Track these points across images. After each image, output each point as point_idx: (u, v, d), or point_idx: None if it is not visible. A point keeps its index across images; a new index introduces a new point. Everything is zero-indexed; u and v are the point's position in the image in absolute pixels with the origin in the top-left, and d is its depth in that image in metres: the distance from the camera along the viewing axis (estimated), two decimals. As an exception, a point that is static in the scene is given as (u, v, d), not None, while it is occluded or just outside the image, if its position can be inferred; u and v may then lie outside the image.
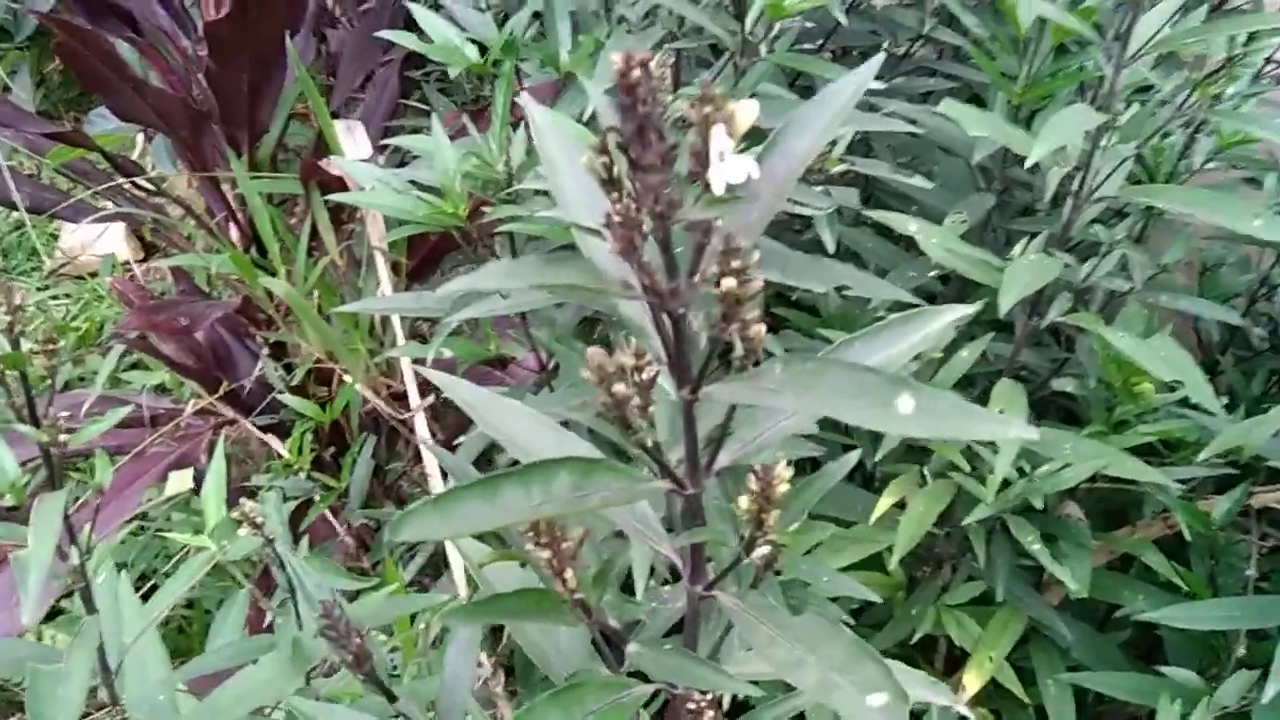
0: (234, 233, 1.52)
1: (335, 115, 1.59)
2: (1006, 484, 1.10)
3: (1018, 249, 1.06)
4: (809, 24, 1.52)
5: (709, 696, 0.53)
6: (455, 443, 1.03)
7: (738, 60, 0.94)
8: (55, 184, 1.78)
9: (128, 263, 2.43)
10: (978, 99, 1.41)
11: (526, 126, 1.04)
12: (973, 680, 1.22)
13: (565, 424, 0.56)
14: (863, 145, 1.49)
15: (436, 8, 1.14)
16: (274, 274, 1.38)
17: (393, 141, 1.00)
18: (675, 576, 0.85)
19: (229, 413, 1.52)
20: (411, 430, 1.40)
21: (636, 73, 0.37)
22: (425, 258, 1.56)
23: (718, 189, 0.38)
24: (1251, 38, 0.89)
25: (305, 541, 0.86)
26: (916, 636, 1.27)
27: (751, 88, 0.92)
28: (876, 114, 1.11)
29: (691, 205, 0.39)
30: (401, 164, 1.13)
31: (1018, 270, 0.97)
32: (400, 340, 1.34)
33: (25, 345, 0.55)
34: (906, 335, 0.49)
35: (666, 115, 0.79)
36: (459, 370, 1.22)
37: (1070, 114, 0.90)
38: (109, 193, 1.54)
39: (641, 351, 0.47)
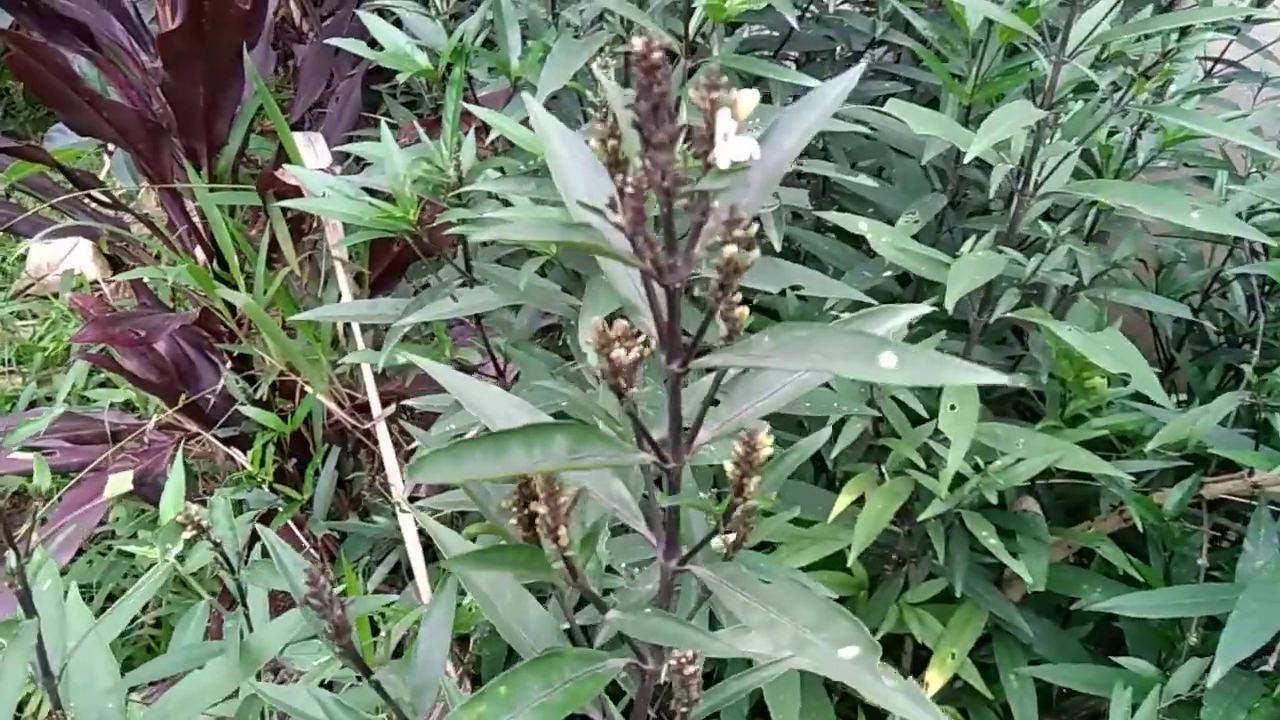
0: (198, 247, 1.52)
1: (298, 127, 1.59)
2: (961, 480, 1.11)
3: (966, 246, 1.07)
4: (765, 30, 1.54)
5: (689, 654, 0.55)
6: (412, 446, 1.03)
7: (685, 62, 0.95)
8: (21, 204, 1.77)
9: (96, 281, 2.42)
10: (935, 102, 1.43)
11: (478, 132, 1.05)
12: (936, 677, 1.23)
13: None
14: (821, 150, 1.50)
15: (400, 25, 1.15)
16: (235, 286, 1.38)
17: (345, 148, 1.00)
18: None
19: (193, 427, 1.51)
20: (374, 440, 1.40)
21: (657, 55, 0.39)
22: (389, 268, 1.56)
23: (723, 164, 0.41)
24: (1184, 33, 0.91)
25: (259, 547, 0.86)
26: (880, 635, 1.28)
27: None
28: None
29: (699, 178, 0.41)
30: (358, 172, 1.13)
31: (963, 266, 0.98)
32: (360, 347, 1.34)
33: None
34: (859, 349, 0.50)
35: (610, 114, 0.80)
36: (411, 377, 1.22)
37: (1011, 109, 0.91)
38: (71, 209, 1.53)
39: (631, 331, 0.49)
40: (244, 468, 1.51)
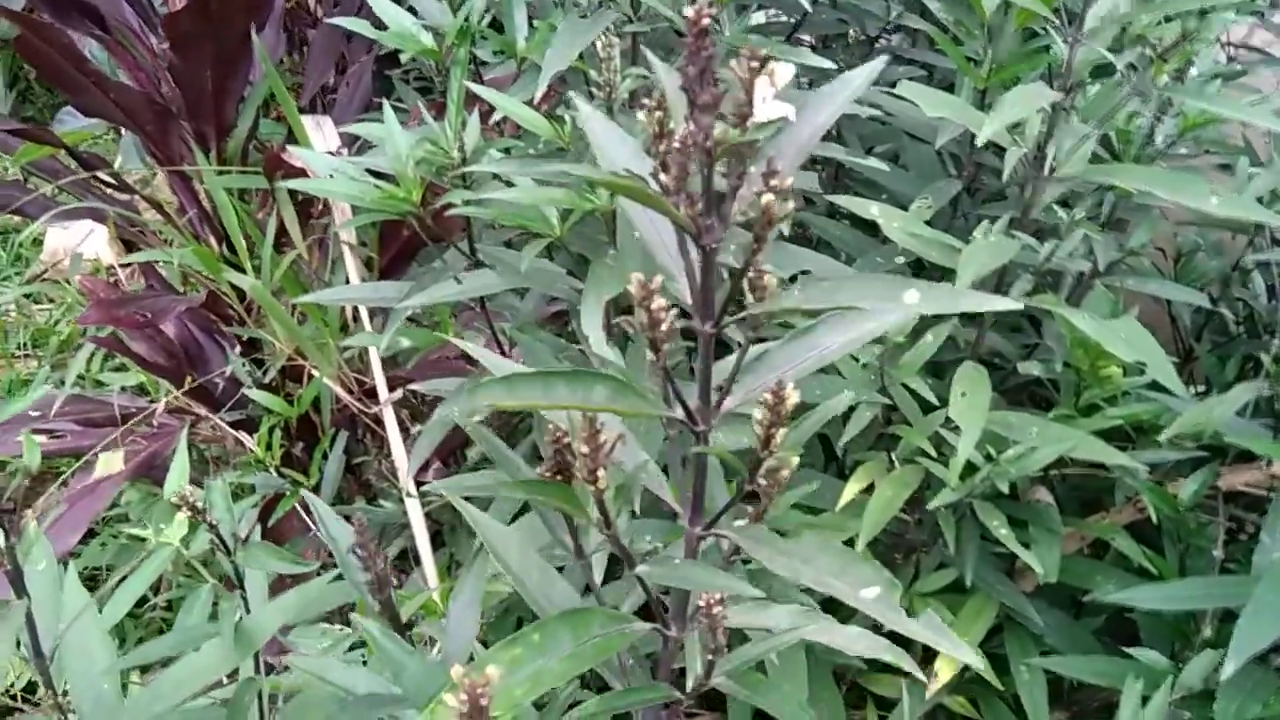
0: (208, 230, 1.51)
1: (309, 111, 1.59)
2: (973, 468, 1.09)
3: (979, 231, 1.06)
4: (779, 15, 1.52)
5: (717, 596, 0.56)
6: (414, 430, 1.03)
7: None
8: (37, 187, 1.77)
9: (112, 266, 2.43)
10: (951, 87, 1.41)
11: (483, 113, 1.04)
12: (945, 668, 1.21)
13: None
14: (834, 134, 1.49)
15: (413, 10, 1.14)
16: (244, 270, 1.37)
17: (349, 129, 0.99)
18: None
19: (202, 410, 1.51)
20: (382, 425, 1.39)
21: (706, 20, 0.42)
22: (398, 253, 1.55)
23: (761, 119, 0.44)
24: (1204, 13, 0.89)
25: (257, 529, 0.86)
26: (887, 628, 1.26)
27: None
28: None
29: (739, 133, 0.44)
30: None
31: (975, 251, 0.96)
32: (367, 330, 1.34)
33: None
34: (870, 317, 0.55)
35: (616, 95, 0.78)
36: (413, 360, 1.22)
37: (1025, 91, 0.89)
38: (81, 191, 1.53)
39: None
40: (252, 451, 1.51)
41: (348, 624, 1.20)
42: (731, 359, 0.55)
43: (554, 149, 0.94)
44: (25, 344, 2.38)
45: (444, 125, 0.95)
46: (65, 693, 0.77)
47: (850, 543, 1.18)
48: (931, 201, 1.20)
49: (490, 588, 1.20)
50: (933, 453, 1.13)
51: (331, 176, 0.96)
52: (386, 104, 0.90)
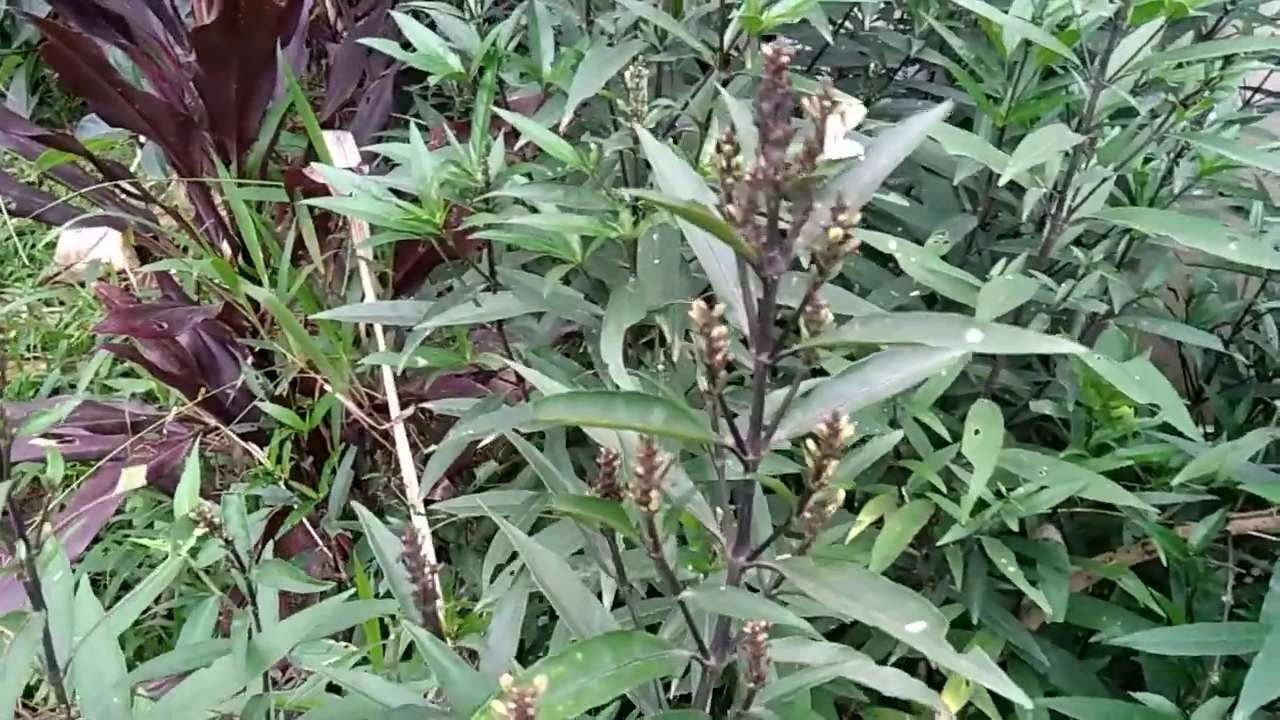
0: (222, 240, 1.52)
1: (329, 126, 1.59)
2: (983, 505, 1.09)
3: (996, 269, 1.06)
4: (798, 45, 1.53)
5: (761, 624, 0.57)
6: (428, 450, 1.03)
7: (719, 74, 0.94)
8: (53, 191, 1.78)
9: (124, 271, 2.44)
10: (969, 123, 1.42)
11: (506, 136, 1.04)
12: (950, 703, 1.21)
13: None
14: (851, 166, 1.49)
15: (433, 26, 1.15)
16: (260, 282, 1.38)
17: (374, 149, 1.00)
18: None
19: (212, 420, 1.51)
20: (392, 441, 1.39)
21: (785, 59, 0.43)
22: (412, 270, 1.56)
23: (832, 156, 0.46)
24: (1228, 61, 0.90)
25: (271, 546, 0.86)
26: (895, 658, 1.26)
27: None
28: (861, 133, 1.11)
29: (809, 170, 0.45)
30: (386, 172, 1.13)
31: (993, 289, 0.97)
32: (382, 348, 1.34)
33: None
34: (923, 357, 0.56)
35: (645, 122, 0.79)
36: (431, 380, 1.22)
37: (1047, 133, 0.90)
38: (97, 198, 1.54)
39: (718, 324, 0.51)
40: (261, 463, 1.51)
41: (349, 640, 1.19)
42: (782, 392, 0.56)
43: (574, 175, 0.95)
44: (35, 346, 2.39)
45: (468, 148, 0.95)
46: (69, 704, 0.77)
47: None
48: (948, 237, 1.21)
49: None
50: (943, 488, 1.13)
51: (353, 194, 0.97)
52: (413, 125, 0.91)
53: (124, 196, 1.59)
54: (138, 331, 1.24)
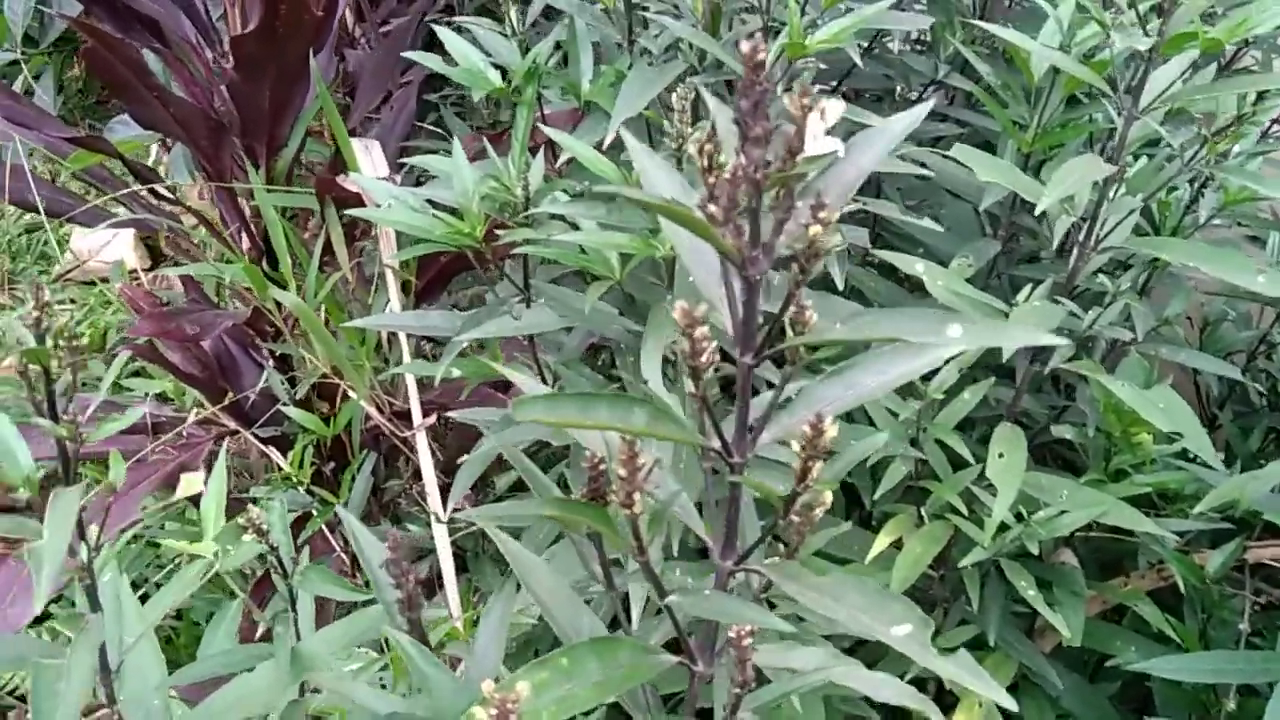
0: (246, 244, 1.53)
1: (352, 134, 1.60)
2: (1004, 527, 1.10)
3: (1023, 295, 1.07)
4: (824, 66, 1.54)
5: (747, 629, 0.55)
6: (458, 461, 1.04)
7: (756, 97, 0.95)
8: (72, 190, 1.78)
9: (134, 271, 2.44)
10: (988, 146, 1.43)
11: (546, 151, 1.05)
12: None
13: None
14: (873, 187, 1.51)
15: (459, 31, 1.16)
16: (284, 287, 1.39)
17: (412, 161, 1.01)
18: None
19: (231, 423, 1.52)
20: (413, 449, 1.40)
21: (761, 56, 0.43)
22: (434, 278, 1.57)
23: (811, 153, 0.46)
24: (1261, 96, 0.91)
25: (306, 552, 0.86)
26: (908, 677, 1.27)
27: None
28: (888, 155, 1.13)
29: (788, 167, 0.45)
30: (417, 184, 1.15)
31: (1022, 315, 0.98)
32: (407, 358, 1.35)
33: (48, 342, 0.56)
34: (908, 358, 0.55)
35: (686, 145, 0.80)
36: (466, 390, 1.23)
37: (1080, 163, 0.91)
38: (123, 199, 1.55)
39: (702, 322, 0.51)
40: (280, 468, 1.52)
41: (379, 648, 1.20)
42: (769, 395, 0.56)
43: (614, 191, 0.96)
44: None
45: (507, 163, 0.96)
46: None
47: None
48: (971, 260, 1.22)
49: (511, 619, 1.21)
50: (964, 509, 1.14)
51: (391, 205, 0.98)
52: (456, 140, 0.92)
53: (147, 199, 1.60)
54: (170, 335, 1.25)
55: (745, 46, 0.43)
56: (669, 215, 0.46)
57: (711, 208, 0.46)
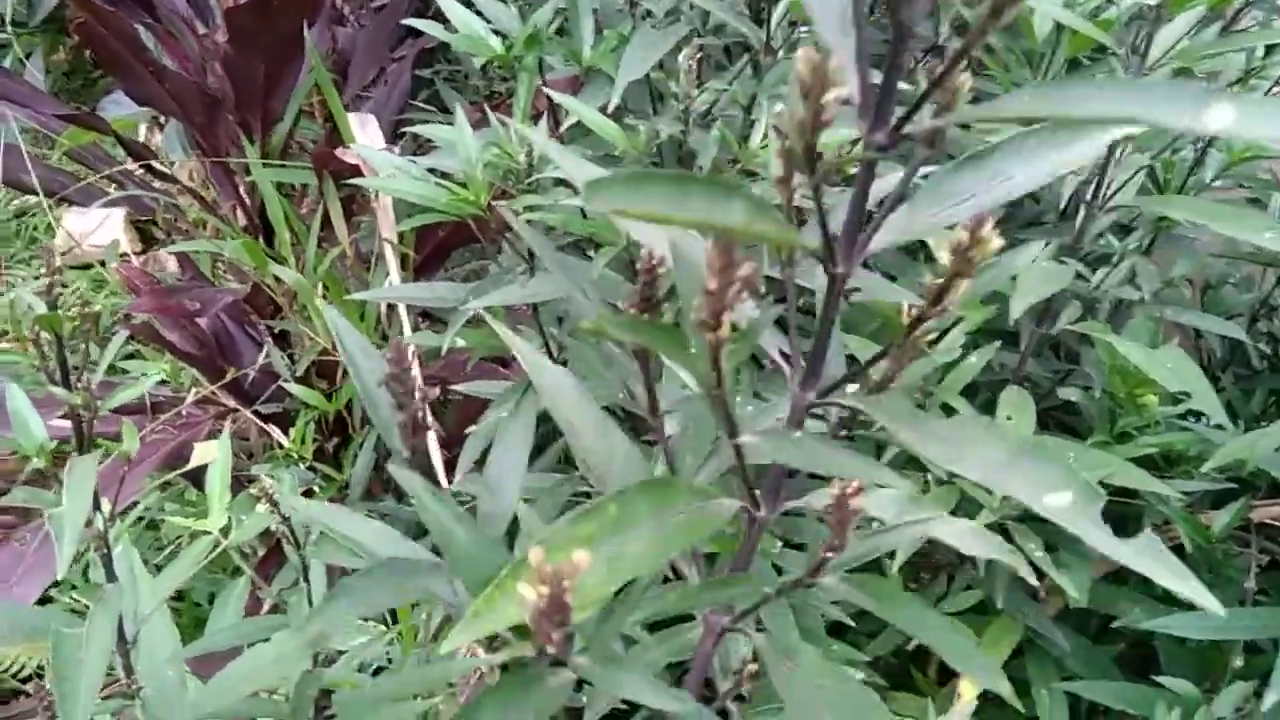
0: (242, 221, 1.52)
1: (347, 109, 1.59)
2: (1011, 491, 1.10)
3: (1029, 256, 1.07)
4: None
5: (853, 483, 0.44)
6: (466, 432, 1.03)
7: (761, 59, 0.94)
8: (68, 169, 1.77)
9: (126, 255, 2.43)
10: (988, 111, 1.42)
11: (548, 120, 1.04)
12: (968, 688, 1.22)
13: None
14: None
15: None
16: (283, 262, 1.38)
17: (414, 130, 1.00)
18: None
19: (230, 402, 1.51)
20: (415, 423, 1.39)
21: None
22: (432, 254, 1.56)
23: None
24: (1270, 50, 0.91)
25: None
26: (913, 644, 1.27)
27: (773, 87, 0.93)
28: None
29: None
30: (416, 154, 1.13)
31: (1030, 277, 0.97)
32: (407, 333, 1.34)
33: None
34: (1069, 144, 0.44)
35: (693, 107, 0.79)
36: (470, 363, 1.22)
37: (1089, 122, 0.90)
38: (116, 177, 1.53)
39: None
40: (281, 445, 1.51)
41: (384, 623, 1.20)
42: (883, 184, 0.43)
43: (622, 154, 0.95)
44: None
45: (510, 130, 0.95)
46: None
47: (880, 562, 1.20)
48: (975, 225, 1.21)
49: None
50: (970, 473, 1.14)
51: (393, 175, 0.97)
52: (458, 107, 0.91)
53: (141, 177, 1.58)
54: (169, 311, 1.24)
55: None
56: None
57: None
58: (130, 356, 2.15)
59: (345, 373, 1.46)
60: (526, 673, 0.45)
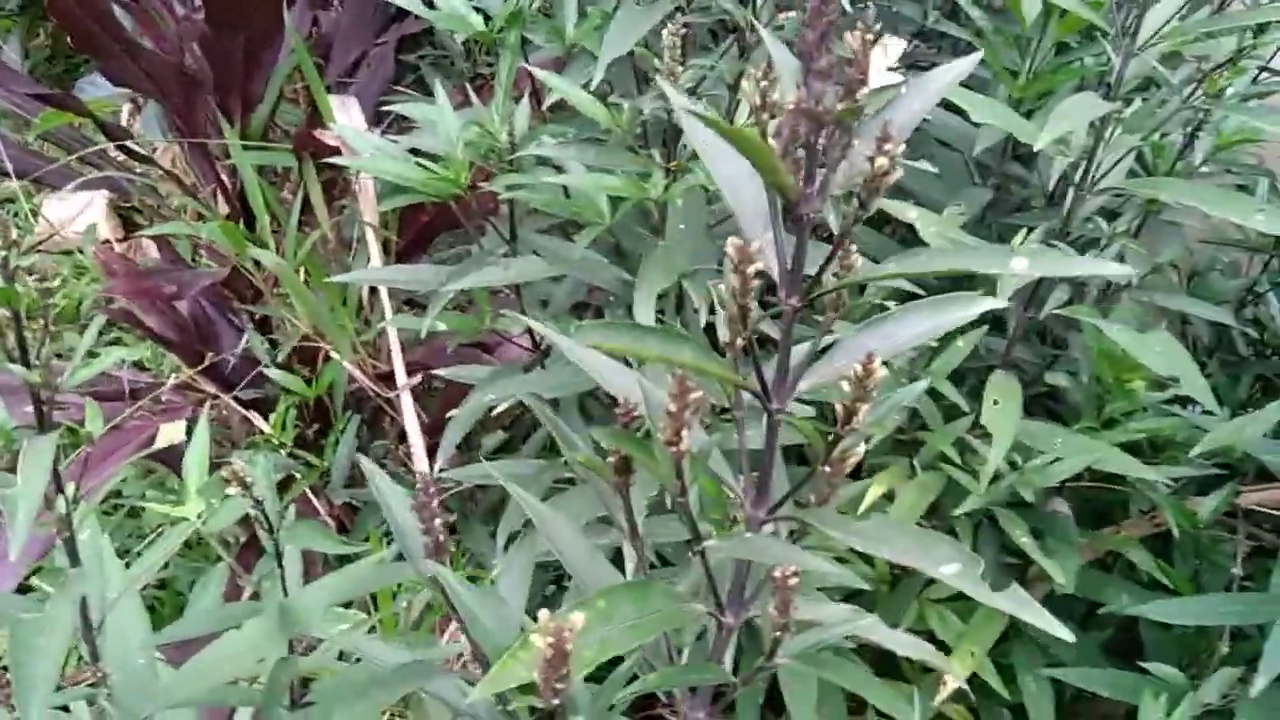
0: (221, 205, 1.50)
1: (328, 92, 1.57)
2: (997, 476, 1.10)
3: (1017, 240, 1.06)
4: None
5: (791, 570, 0.55)
6: (446, 418, 1.02)
7: (746, 36, 0.93)
8: (43, 153, 1.74)
9: (108, 241, 2.40)
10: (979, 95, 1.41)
11: (531, 100, 1.03)
12: (957, 671, 1.21)
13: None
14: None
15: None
16: (263, 247, 1.36)
17: (395, 109, 0.98)
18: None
19: (210, 387, 1.49)
20: (397, 410, 1.38)
21: None
22: (415, 238, 1.54)
23: (875, 84, 0.45)
24: (1261, 30, 0.90)
25: (291, 512, 0.84)
26: (902, 628, 1.26)
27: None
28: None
29: (852, 101, 0.44)
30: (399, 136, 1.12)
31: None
32: (389, 316, 1.33)
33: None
34: (950, 310, 0.56)
35: (678, 84, 0.77)
36: (451, 346, 1.21)
37: (1078, 101, 0.89)
38: (94, 159, 1.51)
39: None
40: (261, 432, 1.49)
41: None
42: (806, 345, 0.55)
43: (594, 137, 0.94)
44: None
45: (491, 108, 0.94)
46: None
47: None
48: (963, 209, 1.20)
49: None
50: (957, 459, 1.13)
51: (372, 155, 0.95)
52: (438, 85, 0.89)
53: (119, 159, 1.56)
54: (145, 294, 1.22)
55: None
56: (735, 140, 0.44)
57: (771, 141, 0.45)
58: (113, 343, 2.13)
59: (326, 358, 1.45)
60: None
